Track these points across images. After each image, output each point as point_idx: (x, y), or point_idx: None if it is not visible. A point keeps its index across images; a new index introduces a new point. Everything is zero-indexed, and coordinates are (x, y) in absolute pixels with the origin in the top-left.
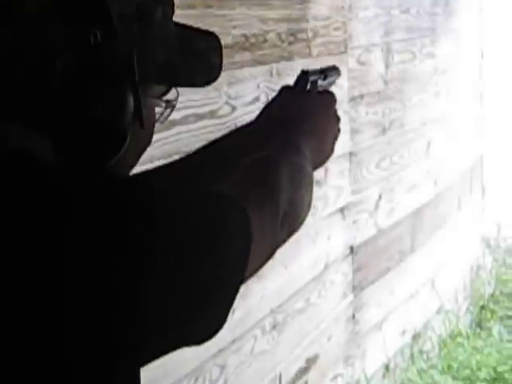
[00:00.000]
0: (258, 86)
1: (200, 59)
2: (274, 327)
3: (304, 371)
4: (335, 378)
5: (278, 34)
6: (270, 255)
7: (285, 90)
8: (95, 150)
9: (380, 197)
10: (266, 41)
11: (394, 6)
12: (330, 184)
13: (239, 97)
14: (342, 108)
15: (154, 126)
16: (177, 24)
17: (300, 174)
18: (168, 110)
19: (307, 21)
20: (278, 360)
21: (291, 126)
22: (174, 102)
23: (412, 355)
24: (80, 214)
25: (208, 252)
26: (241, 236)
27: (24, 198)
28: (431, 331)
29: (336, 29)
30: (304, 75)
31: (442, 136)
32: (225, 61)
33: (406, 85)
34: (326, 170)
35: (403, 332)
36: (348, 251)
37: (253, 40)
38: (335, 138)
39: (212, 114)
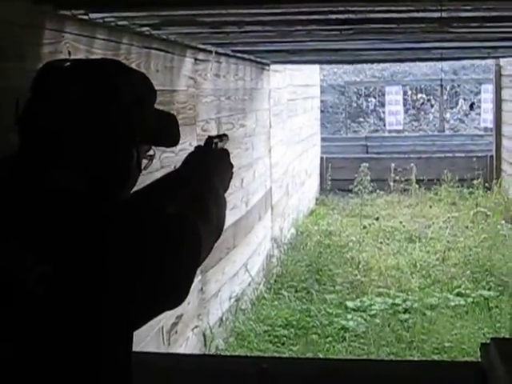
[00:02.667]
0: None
1: (168, 130)
2: None
3: (175, 325)
4: (193, 329)
5: None
6: (211, 249)
7: (198, 148)
8: (113, 184)
9: None
10: None
11: (222, 94)
12: None
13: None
14: None
15: (140, 171)
16: (155, 108)
17: (220, 199)
18: (150, 162)
19: (174, 104)
20: (160, 317)
21: (207, 169)
22: (153, 157)
23: (236, 311)
24: (112, 225)
25: (181, 251)
26: (196, 239)
27: (72, 217)
28: (246, 297)
29: (189, 109)
30: (210, 139)
31: (250, 175)
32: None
33: (229, 143)
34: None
35: (230, 298)
36: None
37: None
38: (231, 178)
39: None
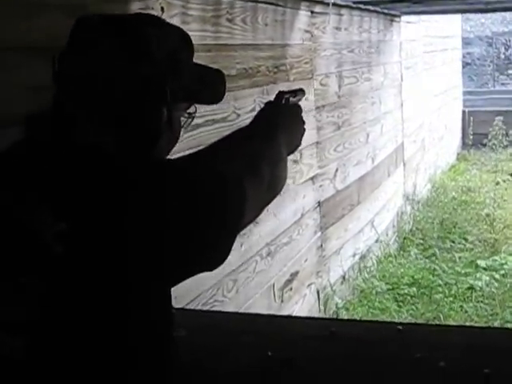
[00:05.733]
0: (254, 101)
1: (211, 87)
2: (268, 254)
3: (289, 282)
4: (310, 285)
5: (267, 67)
6: (261, 209)
7: (268, 104)
8: (142, 143)
9: (337, 169)
10: (259, 71)
11: (343, 47)
12: (304, 162)
13: (242, 107)
14: (311, 114)
15: (180, 130)
16: (196, 63)
17: (279, 157)
18: (189, 120)
19: (286, 58)
20: (271, 275)
21: (273, 126)
22: (194, 114)
23: (359, 269)
24: (134, 184)
25: (218, 207)
26: (237, 199)
27: (92, 175)
28: (372, 254)
29: (305, 63)
30: (280, 94)
31: (376, 130)
32: (232, 85)
33: (353, 98)
34: (301, 154)
35: (354, 255)
36: (317, 205)
37: (250, 71)
38: (302, 135)
39: (223, 119)
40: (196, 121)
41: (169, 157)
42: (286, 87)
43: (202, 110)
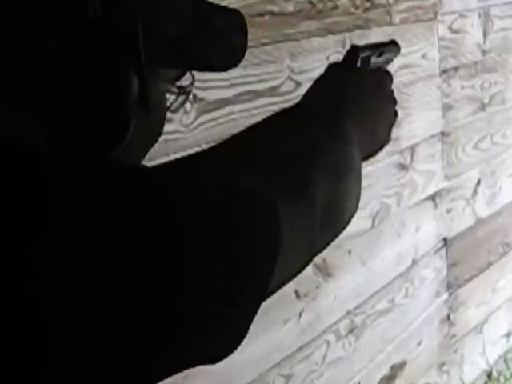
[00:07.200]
0: (328, 59)
1: (219, 39)
2: (350, 331)
3: (388, 380)
4: None
5: (352, 0)
6: (306, 262)
7: (332, 67)
8: (93, 137)
9: (479, 182)
10: (336, 7)
11: None
12: (419, 168)
13: (304, 71)
14: (432, 82)
15: (165, 115)
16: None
17: (343, 162)
18: (182, 98)
19: None
20: (356, 368)
21: (335, 107)
22: (189, 88)
23: None
24: (75, 205)
25: (222, 256)
26: (267, 238)
27: (8, 191)
28: None
29: None
30: (354, 50)
31: None
32: (286, 31)
33: (508, 54)
34: (413, 153)
35: (507, 334)
36: (441, 244)
37: (320, 6)
38: (391, 123)
39: (272, 91)
40: (219, 93)
41: (148, 162)
42: (385, 36)
43: (230, 76)
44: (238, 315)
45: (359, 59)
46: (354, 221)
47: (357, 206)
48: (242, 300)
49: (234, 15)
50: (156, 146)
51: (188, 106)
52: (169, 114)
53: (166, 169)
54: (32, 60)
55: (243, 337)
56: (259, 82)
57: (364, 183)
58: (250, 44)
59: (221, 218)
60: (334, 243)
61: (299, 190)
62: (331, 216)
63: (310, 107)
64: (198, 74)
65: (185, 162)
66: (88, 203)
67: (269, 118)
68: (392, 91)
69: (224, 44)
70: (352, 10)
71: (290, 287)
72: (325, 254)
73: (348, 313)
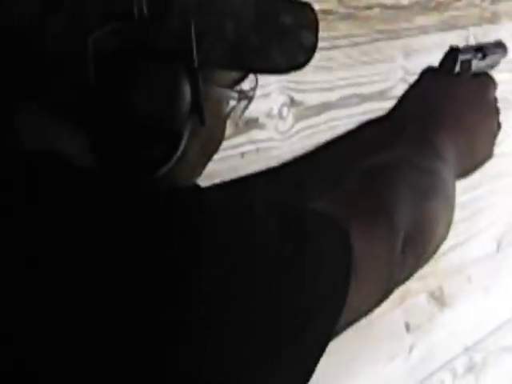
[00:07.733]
0: None
1: (286, 37)
2: (469, 370)
3: None
4: None
5: None
6: (383, 296)
7: (427, 72)
8: (140, 153)
9: None
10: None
11: None
12: None
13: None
14: None
15: (224, 124)
16: None
17: (431, 181)
18: (244, 103)
19: None
20: None
21: (430, 119)
22: (251, 93)
23: None
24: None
25: (280, 291)
26: (336, 268)
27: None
28: None
29: None
30: (453, 52)
31: None
32: (399, 25)
33: None
34: None
35: None
36: None
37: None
38: (494, 136)
39: (382, 95)
40: (320, 96)
41: (233, 175)
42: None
43: (334, 76)
44: (299, 355)
45: (459, 63)
46: (475, 244)
47: (447, 231)
48: (304, 339)
49: (304, 9)
50: (244, 155)
51: (284, 110)
52: (262, 120)
53: (223, 192)
54: (72, 64)
55: (307, 380)
56: (367, 83)
57: (486, 201)
58: (356, 41)
59: (280, 256)
60: (452, 268)
61: (377, 213)
62: (415, 242)
63: (402, 119)
64: (293, 74)
65: (248, 183)
66: (130, 235)
67: (358, 127)
68: (495, 100)
69: (291, 43)
70: (478, 1)
71: (398, 318)
72: (441, 280)
73: (466, 349)
